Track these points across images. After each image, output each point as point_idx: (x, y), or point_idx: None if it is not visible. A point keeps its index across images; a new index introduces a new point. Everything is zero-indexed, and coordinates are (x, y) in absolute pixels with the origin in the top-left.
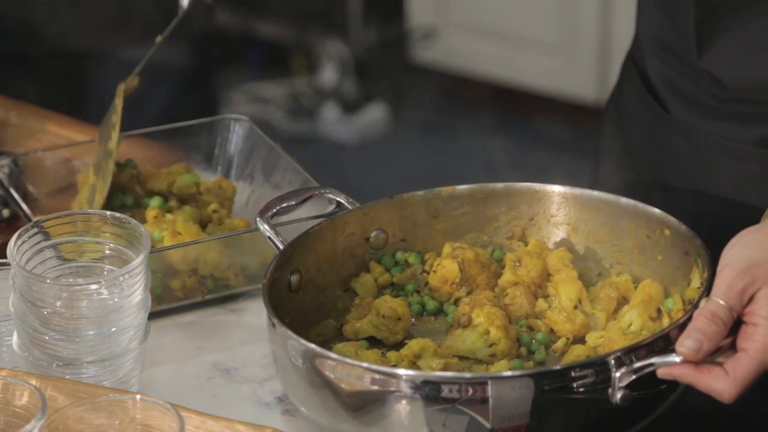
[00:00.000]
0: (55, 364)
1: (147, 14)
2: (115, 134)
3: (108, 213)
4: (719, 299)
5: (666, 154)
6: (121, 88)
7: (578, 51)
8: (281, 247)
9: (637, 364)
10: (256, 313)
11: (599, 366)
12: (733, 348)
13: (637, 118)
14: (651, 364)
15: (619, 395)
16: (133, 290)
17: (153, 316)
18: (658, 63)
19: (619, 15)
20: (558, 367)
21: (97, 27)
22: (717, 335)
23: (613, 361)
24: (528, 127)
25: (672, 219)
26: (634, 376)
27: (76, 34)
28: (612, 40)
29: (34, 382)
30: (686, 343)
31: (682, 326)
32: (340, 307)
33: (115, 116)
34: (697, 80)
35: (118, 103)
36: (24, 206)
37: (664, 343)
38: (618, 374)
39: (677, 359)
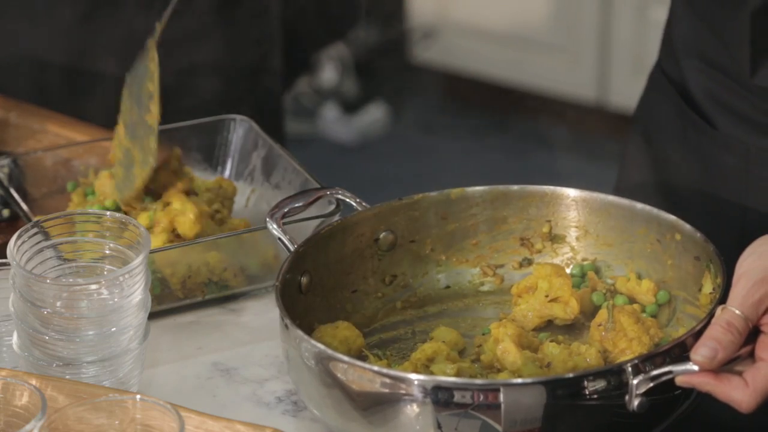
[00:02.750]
0: (55, 364)
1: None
2: (155, 106)
3: (108, 213)
4: (735, 309)
5: (711, 169)
6: (152, 44)
7: (578, 51)
8: (291, 248)
9: (655, 372)
10: (256, 313)
11: (616, 374)
12: (751, 357)
13: (674, 133)
14: (669, 372)
15: (636, 402)
16: (133, 290)
17: (153, 316)
18: (702, 77)
19: (619, 15)
20: (572, 375)
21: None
22: (732, 344)
23: (630, 369)
24: (528, 127)
25: (684, 224)
26: (651, 384)
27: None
28: (612, 40)
29: (34, 382)
30: (701, 351)
31: (697, 334)
32: (348, 308)
33: (152, 84)
34: (749, 96)
35: (153, 68)
36: (24, 206)
37: (680, 351)
38: (635, 381)
39: (695, 368)
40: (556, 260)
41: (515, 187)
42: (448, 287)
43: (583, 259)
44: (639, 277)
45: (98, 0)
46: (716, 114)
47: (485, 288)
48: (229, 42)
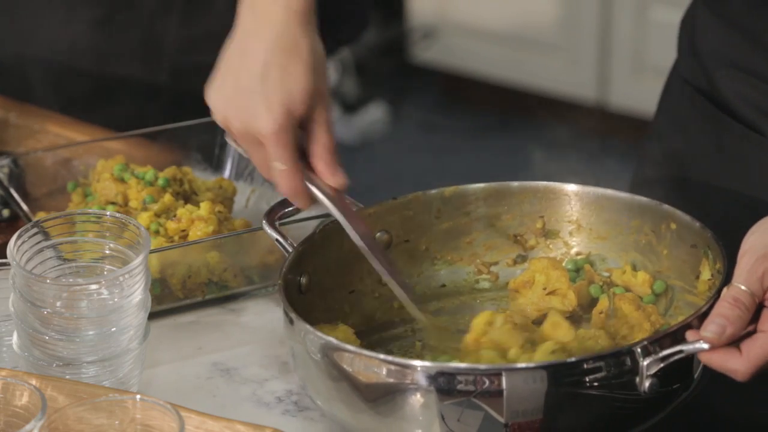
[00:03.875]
0: (55, 364)
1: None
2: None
3: (108, 213)
4: (740, 285)
5: (748, 173)
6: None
7: (578, 51)
8: (290, 249)
9: (665, 352)
10: (255, 313)
11: (625, 355)
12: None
13: (702, 137)
14: (680, 351)
15: (647, 384)
16: (133, 290)
17: (153, 316)
18: (739, 85)
19: (619, 15)
20: (575, 358)
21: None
22: (740, 320)
23: (639, 350)
24: (528, 127)
25: (679, 213)
26: (662, 364)
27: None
28: (612, 40)
29: (34, 382)
30: (710, 328)
31: (703, 316)
32: (347, 309)
33: None
34: None
35: None
36: (24, 206)
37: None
38: (646, 363)
39: (705, 345)
40: (550, 256)
41: (509, 184)
42: (444, 285)
43: (577, 254)
44: (634, 268)
45: (116, 3)
46: (757, 119)
47: (481, 285)
48: None
